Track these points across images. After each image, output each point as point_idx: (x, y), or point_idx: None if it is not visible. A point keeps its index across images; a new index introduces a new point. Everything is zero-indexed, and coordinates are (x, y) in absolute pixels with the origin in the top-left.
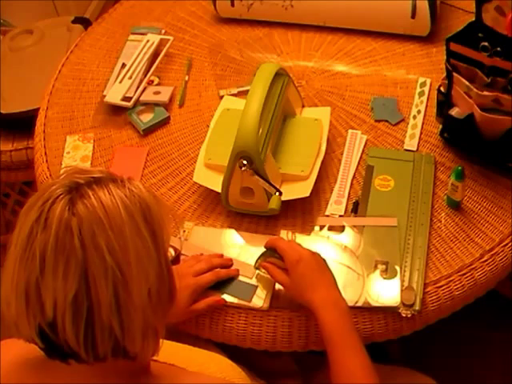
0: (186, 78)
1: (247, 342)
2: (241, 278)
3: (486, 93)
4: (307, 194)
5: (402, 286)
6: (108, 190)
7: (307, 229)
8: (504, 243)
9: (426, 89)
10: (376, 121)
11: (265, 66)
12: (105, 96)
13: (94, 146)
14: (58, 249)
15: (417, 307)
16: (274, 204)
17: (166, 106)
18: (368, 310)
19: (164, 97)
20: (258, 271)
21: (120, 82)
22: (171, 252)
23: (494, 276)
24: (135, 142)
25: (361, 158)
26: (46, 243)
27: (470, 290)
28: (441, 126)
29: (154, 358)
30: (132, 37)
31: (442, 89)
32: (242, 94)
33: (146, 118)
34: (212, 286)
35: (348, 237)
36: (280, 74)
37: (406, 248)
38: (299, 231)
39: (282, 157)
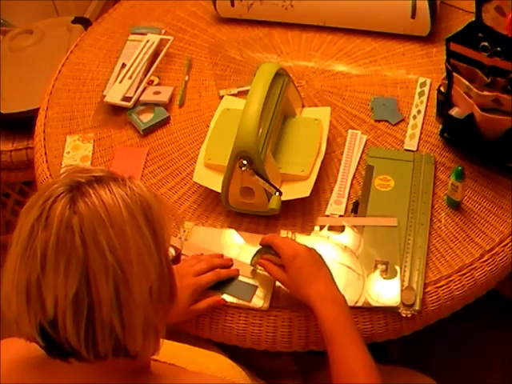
0: (186, 78)
1: (247, 342)
2: (241, 278)
3: (486, 93)
4: (307, 194)
5: (402, 285)
6: (109, 189)
7: (307, 229)
8: (504, 243)
9: (426, 89)
10: (376, 121)
11: (265, 66)
12: (105, 96)
13: (94, 146)
14: (59, 247)
15: (417, 307)
16: (273, 204)
17: (166, 105)
18: (368, 310)
19: (164, 97)
20: (253, 268)
21: (120, 82)
22: (172, 251)
23: (493, 276)
24: (135, 142)
25: (361, 157)
26: (47, 241)
27: (469, 290)
28: (441, 126)
29: (155, 357)
30: (132, 37)
31: (442, 89)
32: (242, 94)
33: (146, 118)
34: (212, 286)
35: (348, 237)
36: (280, 74)
37: (406, 248)
38: (299, 231)
39: (281, 157)
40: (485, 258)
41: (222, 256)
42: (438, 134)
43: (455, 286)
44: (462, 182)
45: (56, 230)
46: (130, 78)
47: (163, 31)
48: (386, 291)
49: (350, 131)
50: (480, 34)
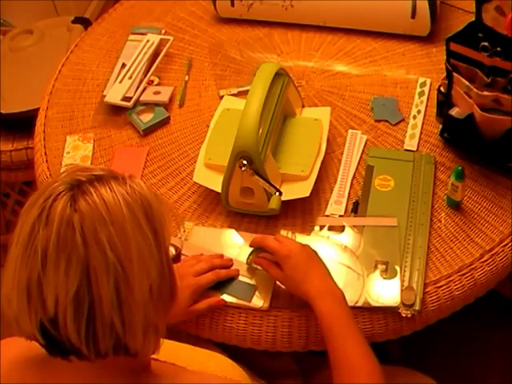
0: (186, 78)
1: (247, 342)
2: (241, 278)
3: (486, 93)
4: (307, 194)
5: (402, 286)
6: (109, 187)
7: (307, 229)
8: (504, 243)
9: (426, 89)
10: (376, 121)
11: (265, 66)
12: (105, 96)
13: (94, 146)
14: (59, 245)
15: (417, 307)
16: (274, 204)
17: (166, 106)
18: (368, 310)
19: (164, 97)
20: (250, 266)
21: (120, 82)
22: (172, 250)
23: (493, 276)
24: (135, 142)
25: (361, 157)
26: (47, 239)
27: (469, 290)
28: (441, 126)
29: (155, 356)
30: (132, 37)
31: (442, 89)
32: (242, 94)
33: (146, 118)
34: (212, 286)
35: (348, 237)
36: (280, 74)
37: (406, 248)
38: (299, 231)
39: (282, 157)
40: (485, 258)
41: (222, 256)
42: (438, 134)
43: (455, 285)
44: (462, 181)
45: (57, 228)
46: (130, 77)
47: (163, 31)
48: (385, 291)
49: (349, 131)
50: (480, 34)
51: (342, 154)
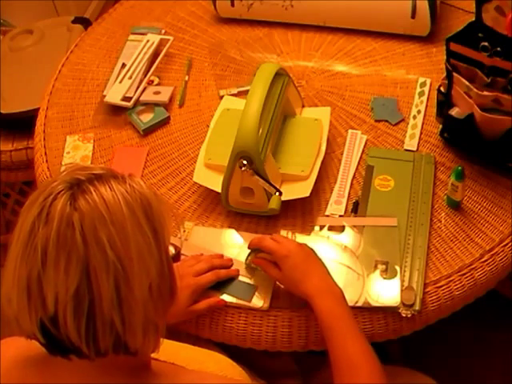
0: (186, 78)
1: (247, 342)
2: (241, 278)
3: (486, 93)
4: (307, 194)
5: (402, 286)
6: (109, 186)
7: (307, 229)
8: (504, 243)
9: (426, 89)
10: (376, 121)
11: (265, 66)
12: (105, 96)
13: (94, 146)
14: (59, 243)
15: (417, 307)
16: (274, 204)
17: (166, 106)
18: (368, 310)
19: (164, 97)
20: (248, 266)
21: (120, 82)
22: (172, 250)
23: (493, 276)
24: (135, 142)
25: (361, 157)
26: (47, 238)
27: (469, 290)
28: (441, 126)
29: (155, 356)
30: (132, 37)
31: (442, 89)
32: (242, 94)
33: (146, 118)
34: (212, 286)
35: (348, 237)
36: (280, 74)
37: (406, 248)
38: (299, 231)
39: (282, 157)
40: (485, 258)
41: (222, 256)
42: (438, 134)
43: (455, 285)
44: (462, 181)
45: (57, 226)
46: (130, 78)
47: (163, 31)
48: (385, 291)
49: (349, 131)
50: (480, 34)
51: (342, 154)
